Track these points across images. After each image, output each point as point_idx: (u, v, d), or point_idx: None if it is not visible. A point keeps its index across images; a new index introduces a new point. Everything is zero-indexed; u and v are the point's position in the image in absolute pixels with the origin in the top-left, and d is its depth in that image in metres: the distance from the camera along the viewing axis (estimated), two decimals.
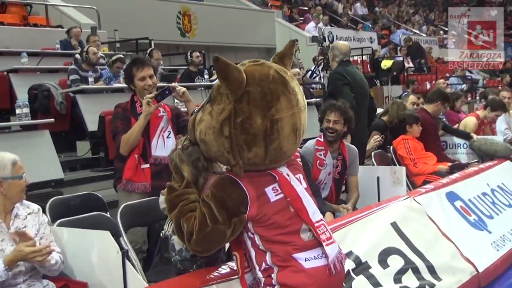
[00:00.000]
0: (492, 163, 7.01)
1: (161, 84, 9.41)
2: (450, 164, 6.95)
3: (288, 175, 2.69)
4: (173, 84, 5.63)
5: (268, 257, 2.64)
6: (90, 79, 8.53)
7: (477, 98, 15.82)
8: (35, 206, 3.60)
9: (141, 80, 4.77)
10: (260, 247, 2.65)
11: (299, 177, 2.77)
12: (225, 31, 17.16)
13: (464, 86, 18.85)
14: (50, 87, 8.52)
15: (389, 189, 5.52)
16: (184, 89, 4.90)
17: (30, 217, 3.51)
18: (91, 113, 7.85)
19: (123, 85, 8.85)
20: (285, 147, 2.58)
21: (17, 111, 6.19)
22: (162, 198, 3.27)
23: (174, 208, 2.71)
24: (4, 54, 10.38)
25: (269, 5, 21.39)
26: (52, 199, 4.53)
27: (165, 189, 2.83)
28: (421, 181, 6.61)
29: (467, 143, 7.84)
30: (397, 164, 6.76)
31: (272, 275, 2.62)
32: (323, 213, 4.84)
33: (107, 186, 7.25)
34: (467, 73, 20.36)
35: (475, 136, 7.71)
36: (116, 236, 4.02)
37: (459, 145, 7.90)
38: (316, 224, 2.68)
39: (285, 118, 2.52)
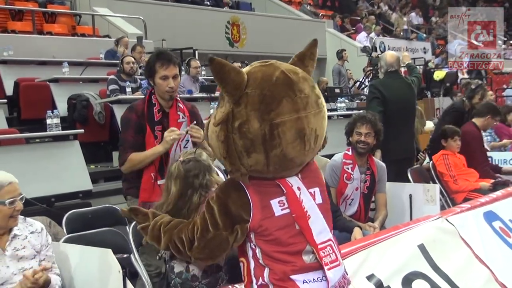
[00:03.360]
0: None
1: (201, 95, 9.41)
2: (493, 180, 6.62)
3: (299, 188, 2.46)
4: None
5: (266, 273, 2.43)
6: (128, 89, 8.51)
7: None
8: (38, 225, 3.45)
9: (163, 79, 4.20)
10: (260, 261, 2.44)
11: (314, 191, 2.52)
12: (274, 41, 17.03)
13: None
14: (89, 97, 8.58)
15: (422, 208, 5.26)
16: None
17: (32, 236, 3.36)
18: None
19: None
20: (291, 154, 2.32)
21: (48, 121, 6.20)
22: None
23: (160, 239, 2.55)
24: (48, 63, 10.49)
25: (320, 15, 21.17)
26: (70, 212, 4.50)
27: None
28: (461, 198, 6.31)
29: None
30: (437, 181, 6.48)
31: None
32: (350, 229, 4.67)
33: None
34: None
35: None
36: (128, 253, 3.92)
37: (505, 161, 7.51)
38: (320, 246, 2.47)
39: (287, 123, 2.28)
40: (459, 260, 4.45)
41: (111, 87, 8.74)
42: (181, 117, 4.36)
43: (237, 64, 10.97)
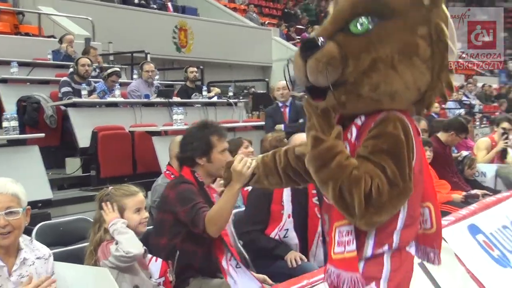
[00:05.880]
0: (509, 193, 6.59)
1: (159, 99, 9.07)
2: (465, 193, 6.55)
3: None
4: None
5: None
6: (83, 92, 8.09)
7: (477, 123, 15.54)
8: (46, 251, 2.99)
9: (222, 153, 3.73)
10: None
11: None
12: (221, 47, 16.78)
13: (461, 111, 18.53)
14: (40, 99, 8.12)
15: None
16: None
17: (38, 263, 2.91)
18: (83, 128, 7.50)
19: (119, 99, 8.54)
20: None
21: (4, 124, 5.78)
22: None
23: (326, 165, 2.04)
24: None
25: (266, 23, 21.06)
26: (40, 224, 4.13)
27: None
28: None
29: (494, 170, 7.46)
30: None
31: None
32: None
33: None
34: (464, 98, 20.03)
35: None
36: None
37: (483, 173, 7.48)
38: None
39: None
40: (457, 280, 4.32)
41: (64, 89, 8.30)
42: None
43: (191, 69, 10.66)
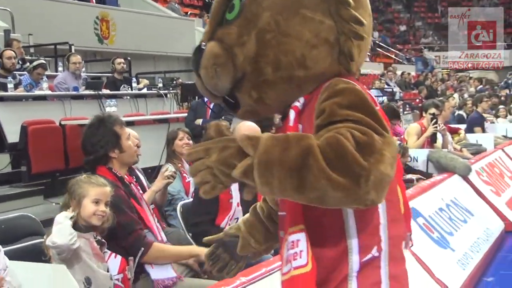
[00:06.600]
0: (441, 176, 6.81)
1: (88, 92, 8.84)
2: None
3: None
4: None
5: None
6: (10, 85, 7.78)
7: (400, 110, 15.93)
8: None
9: (128, 139, 3.88)
10: None
11: None
12: (144, 38, 16.45)
13: (384, 98, 19.00)
14: None
15: None
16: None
17: None
18: (11, 122, 7.22)
19: (47, 92, 8.27)
20: None
21: None
22: None
23: (288, 150, 1.46)
24: None
25: (188, 13, 20.87)
26: None
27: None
28: None
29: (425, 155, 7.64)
30: None
31: None
32: None
33: (32, 203, 6.63)
34: (386, 86, 20.54)
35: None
36: None
37: (415, 158, 7.65)
38: None
39: None
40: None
41: None
42: None
43: (118, 61, 10.46)
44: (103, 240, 3.18)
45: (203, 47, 1.75)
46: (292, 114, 1.72)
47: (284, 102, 1.78)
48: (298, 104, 1.73)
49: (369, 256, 1.65)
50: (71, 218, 3.03)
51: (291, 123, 1.71)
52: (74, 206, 3.15)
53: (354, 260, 1.65)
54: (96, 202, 3.15)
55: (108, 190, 3.23)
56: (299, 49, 1.69)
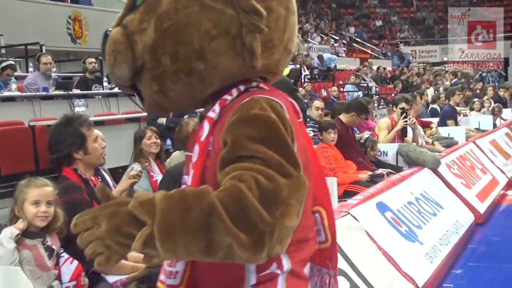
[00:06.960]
0: (411, 170, 6.85)
1: (58, 92, 8.77)
2: (370, 173, 6.74)
3: None
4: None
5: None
6: None
7: (375, 105, 16.01)
8: None
9: (95, 141, 3.89)
10: None
11: None
12: None
13: (360, 93, 19.07)
14: None
15: None
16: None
17: None
18: None
19: (15, 93, 8.19)
20: None
21: None
22: None
23: (189, 211, 1.34)
24: None
25: None
26: None
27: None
28: (342, 191, 6.32)
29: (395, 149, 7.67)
30: None
31: None
32: None
33: (1, 205, 6.53)
34: (362, 81, 20.61)
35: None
36: None
37: (385, 152, 7.69)
38: None
39: None
40: (369, 257, 4.42)
41: None
42: None
43: (89, 60, 10.38)
44: (57, 245, 3.14)
45: (108, 33, 1.68)
46: (206, 125, 1.62)
47: (190, 97, 1.70)
48: (213, 114, 1.63)
49: (267, 271, 1.58)
50: (16, 235, 3.01)
51: (203, 137, 1.61)
52: (18, 212, 3.12)
53: (252, 277, 1.59)
54: (36, 203, 3.12)
55: (48, 190, 3.19)
56: (197, 40, 1.58)
